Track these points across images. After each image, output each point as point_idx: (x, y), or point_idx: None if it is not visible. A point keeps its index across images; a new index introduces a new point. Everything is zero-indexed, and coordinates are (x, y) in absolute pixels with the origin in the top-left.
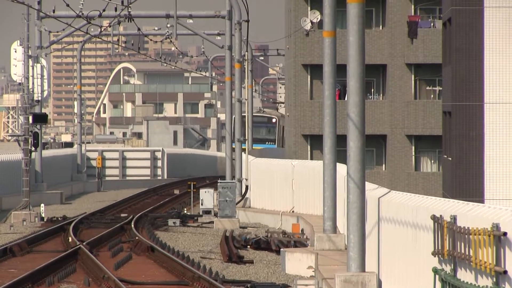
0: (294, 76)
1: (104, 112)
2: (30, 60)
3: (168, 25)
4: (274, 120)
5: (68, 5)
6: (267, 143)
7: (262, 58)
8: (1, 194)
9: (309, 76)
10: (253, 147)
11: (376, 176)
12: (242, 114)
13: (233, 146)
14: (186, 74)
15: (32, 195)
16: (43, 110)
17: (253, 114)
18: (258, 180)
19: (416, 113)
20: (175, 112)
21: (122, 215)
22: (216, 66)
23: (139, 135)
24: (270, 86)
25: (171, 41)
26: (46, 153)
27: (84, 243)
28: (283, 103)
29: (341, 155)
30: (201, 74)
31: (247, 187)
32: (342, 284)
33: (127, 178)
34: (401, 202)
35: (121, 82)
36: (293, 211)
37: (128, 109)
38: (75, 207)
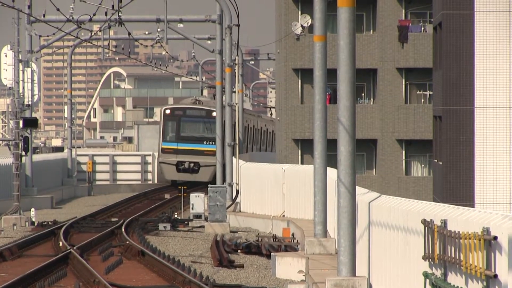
0: (285, 80)
1: (95, 117)
2: (20, 64)
3: (159, 30)
4: (214, 114)
5: (58, 10)
6: (205, 142)
7: (252, 62)
8: None
9: (299, 81)
10: (185, 147)
11: (367, 181)
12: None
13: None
14: (176, 79)
15: (23, 199)
16: (34, 115)
17: (187, 106)
18: (249, 184)
19: (407, 118)
20: None
21: (113, 219)
22: (206, 70)
23: (129, 140)
24: (260, 90)
25: (161, 45)
26: (37, 157)
27: (74, 248)
28: (273, 107)
29: (331, 160)
30: (191, 78)
31: (237, 191)
32: None
33: (118, 182)
34: (391, 206)
35: (112, 87)
36: (283, 216)
37: (118, 114)
38: (66, 212)
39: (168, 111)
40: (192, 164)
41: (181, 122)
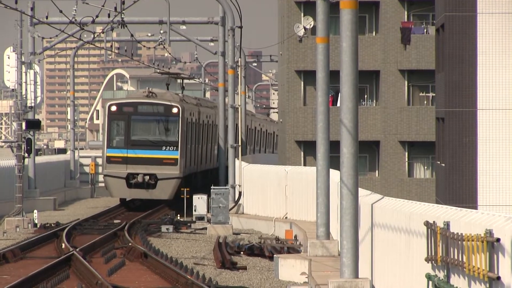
0: (287, 82)
1: (97, 118)
2: (23, 66)
3: (161, 31)
4: (175, 111)
5: (61, 11)
6: (164, 148)
7: (255, 64)
8: None
9: (302, 82)
10: (137, 155)
11: (369, 182)
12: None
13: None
14: (179, 81)
15: (25, 201)
16: (36, 117)
17: (139, 101)
18: (252, 186)
19: (409, 119)
20: None
21: (115, 221)
22: (209, 72)
23: None
24: (263, 92)
25: (164, 47)
26: (39, 159)
27: (77, 250)
28: (273, 108)
29: (334, 161)
30: (194, 80)
31: (240, 193)
32: None
33: None
34: (394, 208)
35: (114, 88)
36: (286, 217)
37: None
38: (68, 213)
39: (114, 108)
40: (147, 177)
41: (132, 121)
